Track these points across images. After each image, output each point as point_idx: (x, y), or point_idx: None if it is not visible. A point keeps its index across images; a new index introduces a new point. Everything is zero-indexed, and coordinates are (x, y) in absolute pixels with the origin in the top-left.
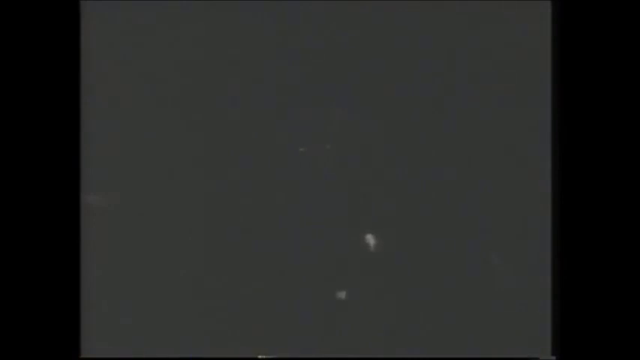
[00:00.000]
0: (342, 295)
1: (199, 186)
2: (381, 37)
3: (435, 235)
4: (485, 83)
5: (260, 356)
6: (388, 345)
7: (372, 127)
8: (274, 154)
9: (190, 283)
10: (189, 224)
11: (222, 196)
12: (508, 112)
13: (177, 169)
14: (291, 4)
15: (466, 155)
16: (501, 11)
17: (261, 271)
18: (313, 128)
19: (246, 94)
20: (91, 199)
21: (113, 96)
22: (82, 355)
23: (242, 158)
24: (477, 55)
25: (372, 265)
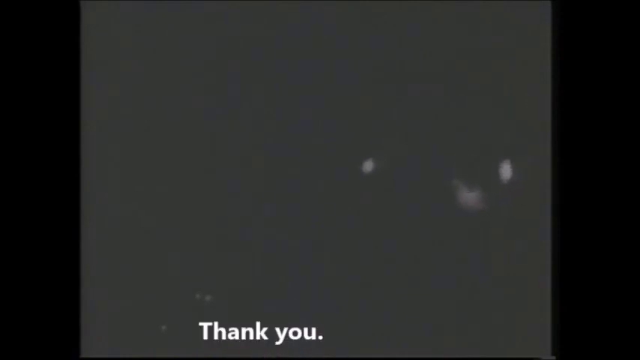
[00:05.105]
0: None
1: (199, 186)
2: (380, 37)
3: (434, 235)
4: (485, 83)
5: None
6: (388, 345)
7: (372, 126)
8: (273, 153)
9: (191, 283)
10: (189, 224)
11: (222, 195)
12: (508, 111)
13: (178, 169)
14: (291, 4)
15: (466, 155)
16: (501, 11)
17: (262, 270)
18: (312, 129)
19: (247, 94)
20: (93, 199)
21: (113, 96)
22: (82, 355)
23: (242, 158)
24: (476, 55)
25: (371, 264)
